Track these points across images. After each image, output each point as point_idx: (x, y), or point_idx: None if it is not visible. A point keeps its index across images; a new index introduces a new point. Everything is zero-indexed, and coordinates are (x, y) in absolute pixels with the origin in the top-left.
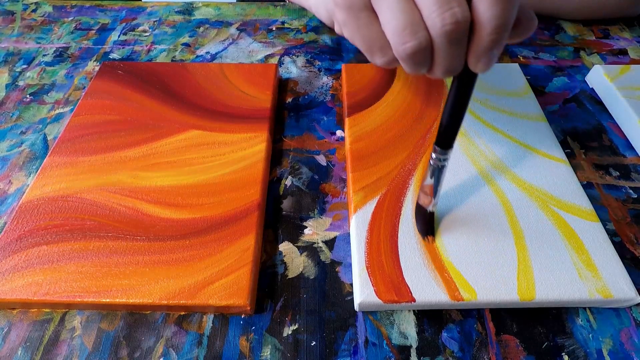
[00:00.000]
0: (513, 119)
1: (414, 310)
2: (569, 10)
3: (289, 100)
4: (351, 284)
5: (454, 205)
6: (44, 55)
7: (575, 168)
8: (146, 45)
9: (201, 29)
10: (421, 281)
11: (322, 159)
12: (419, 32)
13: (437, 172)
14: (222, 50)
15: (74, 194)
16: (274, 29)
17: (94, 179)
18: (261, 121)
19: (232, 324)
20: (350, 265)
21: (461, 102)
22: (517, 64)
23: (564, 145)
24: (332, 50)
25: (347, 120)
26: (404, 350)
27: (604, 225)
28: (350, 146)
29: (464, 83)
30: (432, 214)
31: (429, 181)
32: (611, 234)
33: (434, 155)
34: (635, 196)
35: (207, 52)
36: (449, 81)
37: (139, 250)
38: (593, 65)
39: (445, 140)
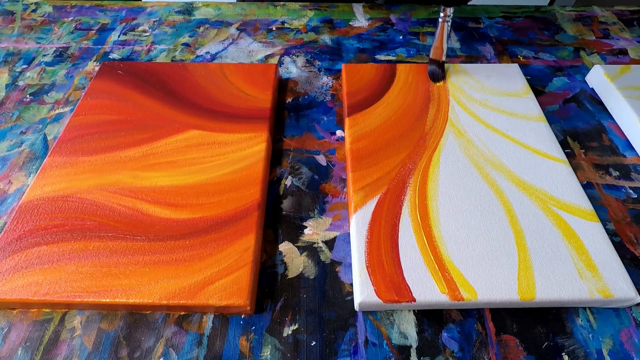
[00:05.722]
0: (513, 119)
1: (414, 310)
2: None
3: (289, 100)
4: (351, 284)
5: (454, 206)
6: (44, 55)
7: (575, 168)
8: (146, 45)
9: (201, 29)
10: (421, 281)
11: (322, 159)
12: None
13: (447, 27)
14: (222, 50)
15: (74, 194)
16: (274, 29)
17: (94, 179)
18: (261, 121)
19: (232, 324)
20: (350, 265)
21: None
22: (517, 64)
23: (564, 145)
24: (332, 50)
25: (347, 120)
26: (404, 350)
27: (604, 225)
28: (350, 146)
29: None
30: (443, 62)
31: (439, 37)
32: (611, 234)
33: (441, 14)
34: (635, 196)
35: (207, 52)
36: (450, 84)
37: (139, 250)
38: (593, 65)
39: None
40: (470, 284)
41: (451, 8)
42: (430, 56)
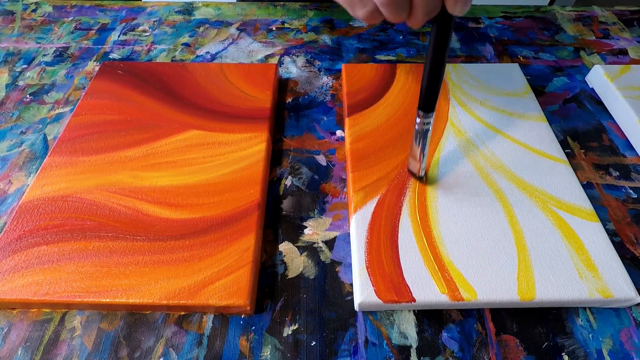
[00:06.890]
0: (513, 119)
1: (414, 310)
2: None
3: (289, 100)
4: (351, 284)
5: (454, 206)
6: (44, 55)
7: (575, 168)
8: (146, 45)
9: (201, 29)
10: (421, 281)
11: (322, 159)
12: None
13: (422, 136)
14: (222, 50)
15: (74, 194)
16: (274, 29)
17: (94, 179)
18: (261, 121)
19: (232, 324)
20: (350, 265)
21: (440, 56)
22: (517, 64)
23: (564, 145)
24: (332, 50)
25: (347, 120)
26: (404, 350)
27: (604, 225)
28: (350, 146)
29: (442, 29)
30: (422, 177)
31: (416, 146)
32: (611, 234)
33: (418, 120)
34: (635, 196)
35: (207, 52)
36: (450, 84)
37: (139, 250)
38: (593, 65)
39: (427, 103)
40: (470, 284)
41: (431, 113)
42: (408, 167)
